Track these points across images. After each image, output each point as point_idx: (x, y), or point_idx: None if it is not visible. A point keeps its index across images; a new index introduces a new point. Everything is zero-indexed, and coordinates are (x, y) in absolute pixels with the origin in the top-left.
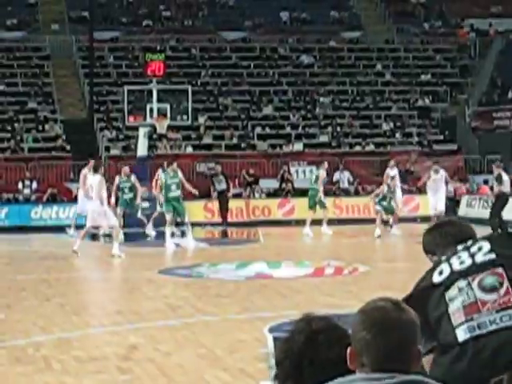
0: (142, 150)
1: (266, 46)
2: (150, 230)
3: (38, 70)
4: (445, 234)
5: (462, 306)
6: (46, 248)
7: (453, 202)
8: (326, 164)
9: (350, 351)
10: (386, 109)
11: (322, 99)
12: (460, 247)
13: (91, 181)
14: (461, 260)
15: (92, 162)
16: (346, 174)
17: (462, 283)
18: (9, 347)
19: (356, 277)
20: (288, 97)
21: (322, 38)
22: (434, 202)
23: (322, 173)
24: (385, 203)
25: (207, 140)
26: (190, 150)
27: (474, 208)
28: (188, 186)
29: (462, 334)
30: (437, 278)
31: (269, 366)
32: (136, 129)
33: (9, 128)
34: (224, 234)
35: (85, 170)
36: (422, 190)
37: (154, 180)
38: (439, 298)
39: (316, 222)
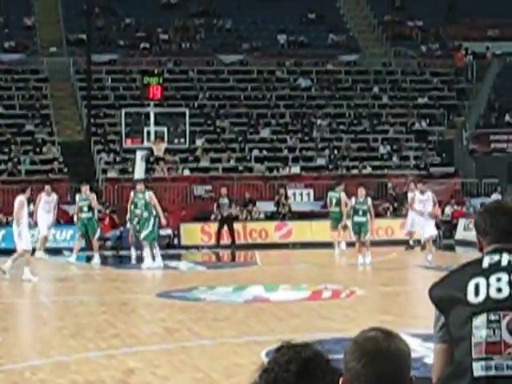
0: (139, 172)
1: (263, 69)
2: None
3: (35, 92)
4: (496, 224)
5: (485, 340)
6: (44, 271)
7: (450, 226)
8: (342, 186)
9: (342, 381)
10: (383, 132)
11: (319, 122)
12: (504, 261)
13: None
14: (499, 286)
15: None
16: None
17: (492, 316)
18: (6, 371)
19: (353, 300)
20: (285, 119)
21: (319, 61)
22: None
23: (342, 195)
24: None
25: (204, 163)
26: (187, 172)
27: (471, 231)
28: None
29: (478, 369)
30: (471, 297)
31: None
32: (133, 151)
33: (6, 150)
34: (233, 256)
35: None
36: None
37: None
38: (466, 320)
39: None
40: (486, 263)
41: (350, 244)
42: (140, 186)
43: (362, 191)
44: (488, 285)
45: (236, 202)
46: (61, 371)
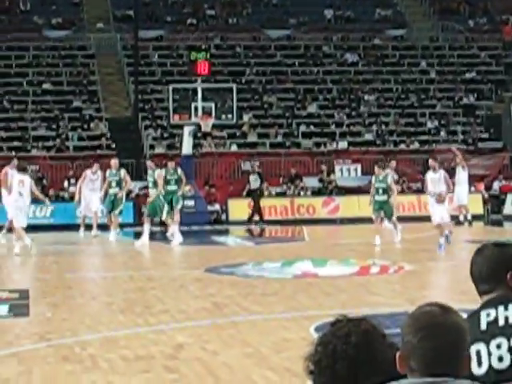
0: (186, 148)
1: (310, 44)
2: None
3: (82, 68)
4: (495, 262)
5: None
6: (92, 246)
7: (498, 201)
8: (393, 163)
9: (399, 355)
10: (430, 107)
11: (366, 97)
12: (501, 320)
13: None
14: (500, 354)
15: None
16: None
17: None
18: (56, 346)
19: (401, 275)
20: (332, 95)
21: (366, 36)
22: (457, 196)
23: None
24: None
25: (252, 138)
26: (234, 148)
27: None
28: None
29: None
30: (475, 368)
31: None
32: (181, 127)
33: (54, 126)
34: (262, 232)
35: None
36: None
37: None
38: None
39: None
40: (483, 324)
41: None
42: (171, 164)
43: (378, 170)
44: (489, 353)
45: (262, 177)
46: (110, 346)
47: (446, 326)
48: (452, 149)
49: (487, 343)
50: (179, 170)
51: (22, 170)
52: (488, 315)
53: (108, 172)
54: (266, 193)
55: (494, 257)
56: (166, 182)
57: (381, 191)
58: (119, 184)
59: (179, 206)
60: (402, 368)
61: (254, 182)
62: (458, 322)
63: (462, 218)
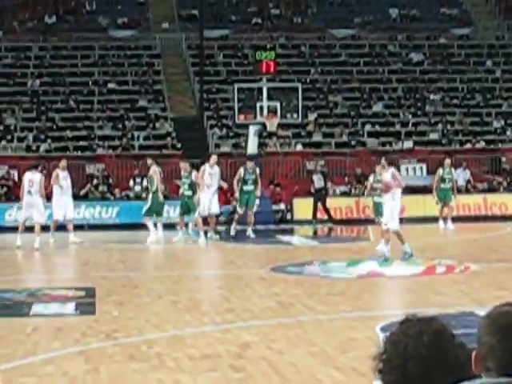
0: (252, 147)
1: (375, 43)
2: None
3: (148, 68)
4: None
5: None
6: (157, 246)
7: None
8: (448, 161)
9: (475, 355)
10: (496, 106)
11: (431, 96)
12: None
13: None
14: None
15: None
16: (464, 173)
17: None
18: (123, 344)
19: (468, 275)
20: (398, 94)
21: (431, 35)
22: None
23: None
24: None
25: (317, 137)
26: (299, 147)
27: None
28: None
29: None
30: None
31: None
32: (246, 127)
33: (120, 126)
34: (330, 231)
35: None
36: None
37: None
38: None
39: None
40: None
41: (457, 219)
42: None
43: (379, 169)
44: None
45: (326, 177)
46: (177, 345)
47: None
48: None
49: None
50: (257, 171)
51: (33, 168)
52: None
53: (182, 173)
54: (330, 192)
55: None
56: (244, 181)
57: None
58: (191, 187)
59: (255, 207)
60: (479, 368)
61: (318, 181)
62: None
63: None
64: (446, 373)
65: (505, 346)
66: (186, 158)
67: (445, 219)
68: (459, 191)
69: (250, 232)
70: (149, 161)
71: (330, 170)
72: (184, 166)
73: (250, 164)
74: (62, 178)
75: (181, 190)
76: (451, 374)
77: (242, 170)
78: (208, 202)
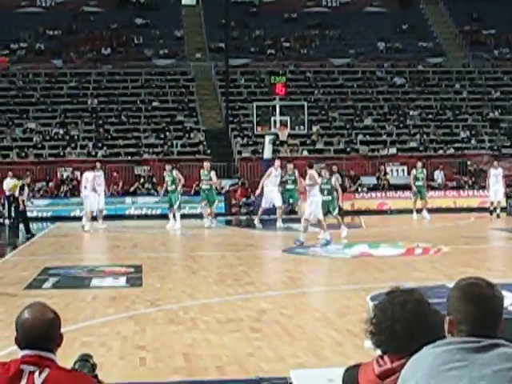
0: (267, 153)
1: (366, 70)
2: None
3: (184, 89)
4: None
5: None
6: (190, 231)
7: None
8: (419, 163)
9: (449, 320)
10: (463, 120)
11: (411, 112)
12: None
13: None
14: None
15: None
16: (441, 174)
17: None
18: (164, 310)
19: (440, 256)
20: (384, 110)
21: (411, 63)
22: (493, 192)
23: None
24: None
25: (319, 145)
26: (305, 153)
27: None
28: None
29: None
30: None
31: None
32: (263, 136)
33: (162, 136)
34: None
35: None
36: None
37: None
38: None
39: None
40: None
41: (434, 211)
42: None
43: (324, 173)
44: None
45: (343, 176)
46: (207, 311)
47: (492, 296)
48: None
49: None
50: (296, 172)
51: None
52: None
53: (201, 172)
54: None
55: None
56: (284, 181)
57: (326, 192)
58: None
59: (298, 202)
60: (451, 331)
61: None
62: (500, 294)
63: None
64: (425, 333)
65: (478, 311)
66: (215, 161)
67: (418, 211)
68: (439, 189)
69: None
70: (168, 166)
71: (329, 171)
72: (206, 165)
73: (289, 166)
74: (97, 177)
75: (203, 186)
76: (429, 334)
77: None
78: (271, 197)
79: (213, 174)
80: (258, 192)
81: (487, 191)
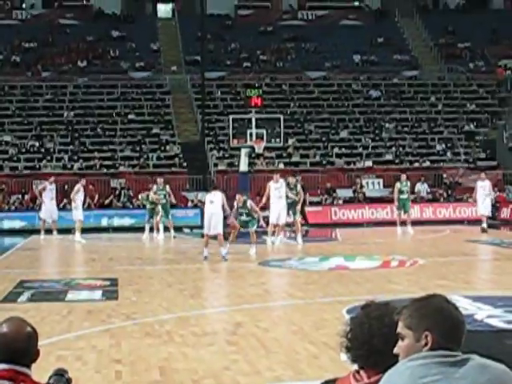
0: (243, 166)
1: (341, 83)
2: None
3: (160, 102)
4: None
5: None
6: (167, 244)
7: (494, 208)
8: (403, 176)
9: (432, 336)
10: (438, 133)
11: (387, 125)
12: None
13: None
14: None
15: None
16: (425, 186)
17: None
18: (140, 324)
19: (416, 268)
20: (360, 123)
21: (386, 76)
22: (481, 205)
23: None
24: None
25: (295, 158)
26: (281, 166)
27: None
28: None
29: None
30: None
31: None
32: (238, 149)
33: (137, 149)
34: (306, 233)
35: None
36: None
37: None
38: None
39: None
40: None
41: (413, 223)
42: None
43: (291, 179)
44: None
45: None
46: (183, 324)
47: (457, 309)
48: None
49: None
50: (298, 186)
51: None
52: None
53: (155, 187)
54: (307, 201)
55: None
56: (287, 196)
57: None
58: (165, 196)
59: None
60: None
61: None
62: (459, 310)
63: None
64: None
65: (447, 324)
66: (191, 174)
67: (402, 224)
68: (415, 201)
69: (299, 239)
70: (161, 179)
71: (306, 183)
72: (159, 181)
73: (291, 179)
74: (49, 190)
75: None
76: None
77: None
78: (277, 212)
79: (168, 188)
80: (260, 205)
81: (476, 204)
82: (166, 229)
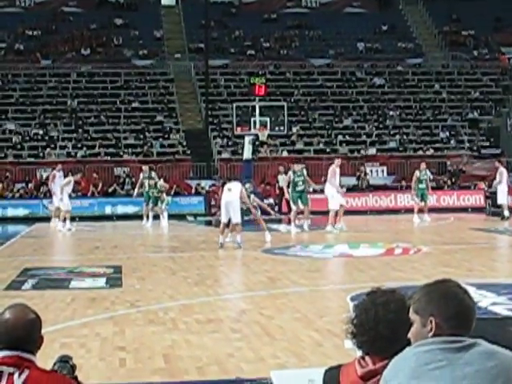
0: (247, 154)
1: (345, 71)
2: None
3: (164, 90)
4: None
5: None
6: (171, 232)
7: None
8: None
9: (436, 322)
10: (442, 120)
11: (391, 113)
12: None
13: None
14: None
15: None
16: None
17: None
18: (144, 311)
19: (420, 256)
20: (364, 111)
21: (390, 64)
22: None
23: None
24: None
25: (299, 146)
26: (285, 153)
27: None
28: None
29: None
30: None
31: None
32: (242, 137)
33: (141, 137)
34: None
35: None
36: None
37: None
38: None
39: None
40: None
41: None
42: (298, 167)
43: (297, 166)
44: None
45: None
46: (187, 311)
47: (466, 295)
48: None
49: None
50: (305, 172)
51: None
52: None
53: (141, 175)
54: (310, 189)
55: None
56: (295, 183)
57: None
58: (156, 185)
59: (309, 203)
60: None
61: (282, 180)
62: (468, 292)
63: (506, 212)
64: (407, 332)
65: (455, 310)
66: (195, 162)
67: (419, 213)
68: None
69: (305, 226)
70: (146, 167)
71: (310, 171)
72: (145, 168)
73: (297, 167)
74: (58, 178)
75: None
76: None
77: (290, 174)
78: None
79: (154, 174)
80: (287, 196)
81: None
82: (156, 216)
